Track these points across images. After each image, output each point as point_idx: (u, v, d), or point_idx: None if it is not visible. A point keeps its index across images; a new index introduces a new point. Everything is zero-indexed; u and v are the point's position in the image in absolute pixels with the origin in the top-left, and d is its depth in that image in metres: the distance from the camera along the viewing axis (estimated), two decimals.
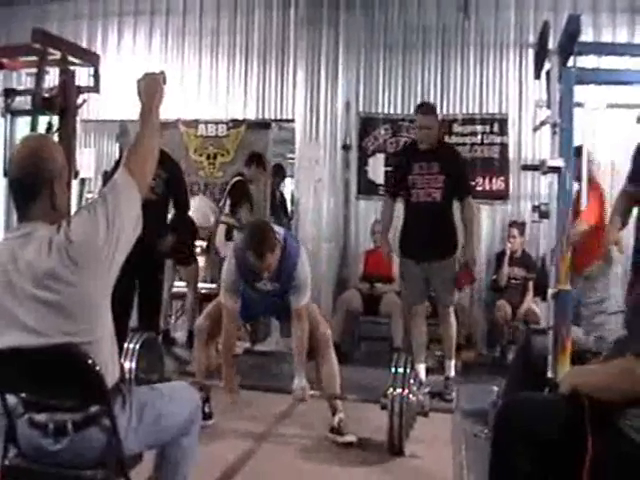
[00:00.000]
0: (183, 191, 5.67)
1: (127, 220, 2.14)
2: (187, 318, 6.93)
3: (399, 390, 3.72)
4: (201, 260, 7.12)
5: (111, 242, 2.08)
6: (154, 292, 5.54)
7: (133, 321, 5.40)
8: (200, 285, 6.97)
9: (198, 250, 7.03)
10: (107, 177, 5.51)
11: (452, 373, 5.18)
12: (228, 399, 4.13)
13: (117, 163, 5.65)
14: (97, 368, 2.07)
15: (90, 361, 2.06)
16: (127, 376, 3.62)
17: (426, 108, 5.30)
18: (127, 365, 3.78)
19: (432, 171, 5.05)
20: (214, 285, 6.67)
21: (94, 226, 2.06)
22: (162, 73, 2.43)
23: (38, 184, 2.14)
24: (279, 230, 4.02)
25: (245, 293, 4.12)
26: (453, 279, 5.16)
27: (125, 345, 3.84)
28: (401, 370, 3.83)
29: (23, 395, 2.19)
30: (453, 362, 5.23)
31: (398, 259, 5.54)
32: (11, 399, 2.21)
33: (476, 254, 5.11)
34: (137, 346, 3.91)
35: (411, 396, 3.78)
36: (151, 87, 2.36)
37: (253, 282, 4.04)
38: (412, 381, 3.86)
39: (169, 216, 5.75)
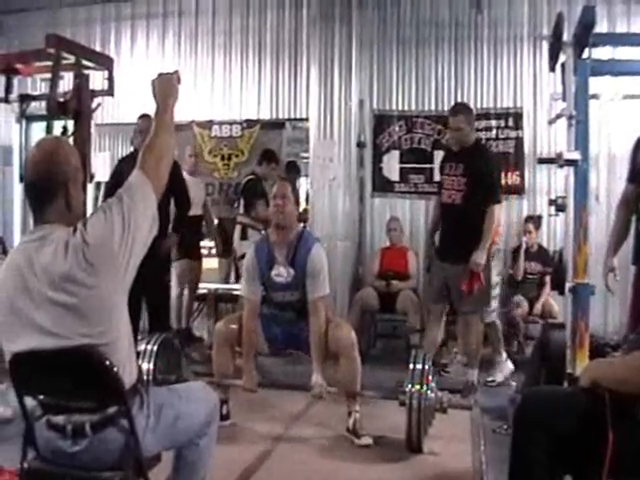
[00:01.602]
0: (183, 190, 5.67)
1: (143, 221, 2.14)
2: (184, 315, 6.92)
3: (417, 386, 3.71)
4: (213, 261, 7.13)
5: (127, 243, 2.08)
6: (161, 292, 5.55)
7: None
8: (217, 286, 6.99)
9: (207, 251, 7.01)
10: (110, 179, 5.50)
11: (474, 380, 5.07)
12: (248, 387, 4.17)
13: (119, 164, 5.66)
14: (114, 369, 2.07)
15: (107, 362, 2.06)
16: (145, 377, 3.65)
17: (454, 109, 5.15)
18: (145, 366, 3.80)
19: (457, 173, 4.96)
20: (228, 285, 6.68)
21: (110, 228, 2.06)
22: (176, 73, 2.43)
23: (53, 186, 2.14)
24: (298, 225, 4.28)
25: (263, 310, 4.21)
26: None
27: (142, 346, 3.85)
28: (419, 366, 3.81)
29: (41, 397, 2.19)
30: (475, 371, 5.12)
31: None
32: (29, 401, 2.22)
33: (481, 259, 4.82)
34: (154, 347, 3.93)
35: (430, 392, 3.76)
36: (165, 87, 2.37)
37: (269, 271, 4.13)
38: (430, 377, 3.83)
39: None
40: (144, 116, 5.31)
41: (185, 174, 6.63)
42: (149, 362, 3.88)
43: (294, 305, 4.18)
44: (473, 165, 4.92)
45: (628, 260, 3.98)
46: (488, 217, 4.85)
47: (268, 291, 4.21)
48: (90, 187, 5.55)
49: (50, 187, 2.14)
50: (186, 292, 6.79)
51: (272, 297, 4.22)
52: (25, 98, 5.23)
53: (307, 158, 7.34)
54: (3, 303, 2.11)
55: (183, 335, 6.77)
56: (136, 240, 2.11)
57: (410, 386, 3.72)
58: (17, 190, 7.82)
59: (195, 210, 6.58)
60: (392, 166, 7.11)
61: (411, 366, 3.84)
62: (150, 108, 2.36)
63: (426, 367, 3.83)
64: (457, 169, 4.96)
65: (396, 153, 7.11)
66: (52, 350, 2.04)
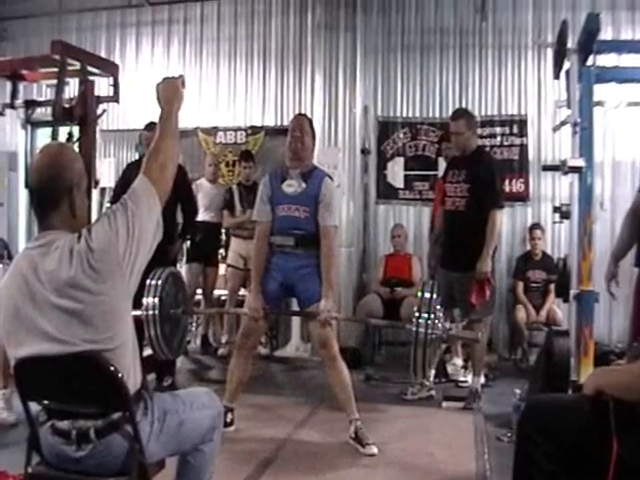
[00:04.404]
0: (190, 195, 5.69)
1: (147, 227, 2.14)
2: (202, 323, 6.98)
3: (425, 315, 3.58)
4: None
5: (131, 249, 2.08)
6: None
7: None
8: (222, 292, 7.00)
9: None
10: (118, 184, 5.48)
11: (478, 387, 4.99)
12: (253, 306, 4.08)
13: (126, 169, 5.64)
14: (119, 375, 2.07)
15: (112, 368, 2.06)
16: (151, 312, 3.68)
17: (455, 113, 5.13)
18: (151, 300, 3.74)
19: (459, 179, 4.91)
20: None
21: (114, 234, 2.06)
22: (181, 77, 2.43)
23: (58, 193, 2.14)
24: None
25: (270, 260, 4.11)
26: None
27: (148, 281, 3.73)
28: (428, 295, 3.69)
29: (46, 403, 2.19)
30: (480, 379, 5.06)
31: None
32: (34, 407, 2.22)
33: (486, 267, 4.75)
34: (159, 281, 3.82)
35: (437, 321, 3.63)
36: (170, 91, 2.36)
37: (281, 184, 4.05)
38: (438, 307, 3.70)
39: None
40: (151, 127, 5.28)
41: (205, 182, 6.72)
42: (155, 296, 3.78)
43: (296, 228, 4.03)
44: (475, 171, 4.86)
45: (631, 264, 3.97)
46: (490, 223, 4.77)
47: (275, 209, 4.08)
48: (95, 193, 5.56)
49: (54, 193, 2.14)
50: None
51: (277, 213, 4.07)
52: (31, 104, 5.25)
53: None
54: (8, 309, 2.11)
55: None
56: (140, 246, 2.11)
57: (418, 314, 3.58)
58: (22, 195, 7.85)
59: (214, 217, 6.62)
60: (396, 173, 7.13)
61: (419, 294, 3.71)
62: (156, 115, 2.36)
63: (434, 296, 3.70)
64: (460, 176, 4.93)
65: (400, 160, 7.13)
66: (57, 356, 2.04)
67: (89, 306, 2.03)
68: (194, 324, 7.14)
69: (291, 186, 4.05)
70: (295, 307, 4.64)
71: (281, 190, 4.07)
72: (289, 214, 4.05)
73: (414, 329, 3.53)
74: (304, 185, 4.03)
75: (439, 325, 3.60)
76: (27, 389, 2.19)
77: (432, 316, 3.55)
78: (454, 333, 3.82)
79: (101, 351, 2.06)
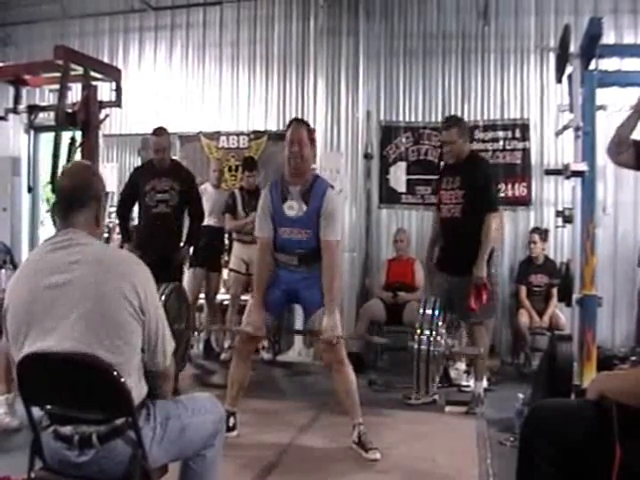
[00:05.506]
0: (197, 201, 5.69)
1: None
2: (205, 328, 6.98)
3: (427, 332, 3.54)
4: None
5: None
6: None
7: None
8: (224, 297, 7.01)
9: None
10: (125, 192, 5.46)
11: (481, 392, 4.96)
12: (255, 321, 4.08)
13: (133, 174, 5.63)
14: (122, 380, 2.07)
15: (115, 373, 2.06)
16: None
17: (446, 123, 5.10)
18: None
19: (454, 186, 4.91)
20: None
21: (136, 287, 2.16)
22: None
23: (88, 196, 2.25)
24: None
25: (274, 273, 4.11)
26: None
27: None
28: (429, 312, 3.65)
29: (49, 408, 2.19)
30: (483, 384, 5.04)
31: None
32: (36, 412, 2.22)
33: (482, 271, 4.71)
34: (163, 297, 3.82)
35: (439, 338, 3.61)
36: None
37: (282, 204, 4.01)
38: (440, 324, 3.67)
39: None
40: (159, 132, 5.24)
41: (209, 186, 6.72)
42: None
43: (299, 248, 4.03)
44: (469, 177, 4.85)
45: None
46: (485, 227, 4.77)
47: (277, 228, 4.06)
48: None
49: (85, 195, 2.24)
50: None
51: (279, 234, 4.06)
52: (34, 109, 5.26)
53: (314, 169, 7.33)
54: (19, 308, 2.14)
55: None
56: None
57: (419, 331, 3.57)
58: (25, 200, 7.87)
59: (217, 222, 6.62)
60: (399, 177, 7.13)
61: (421, 311, 3.69)
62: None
63: (436, 312, 3.66)
64: (454, 182, 4.92)
65: (403, 164, 7.13)
66: (59, 355, 2.05)
67: (98, 306, 2.08)
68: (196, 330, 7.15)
69: (292, 208, 4.00)
70: (297, 313, 4.65)
71: (283, 212, 4.02)
72: (291, 237, 4.03)
73: (416, 346, 3.52)
74: (304, 208, 3.98)
75: (442, 342, 3.59)
76: (30, 391, 2.19)
77: (434, 333, 3.55)
78: (457, 350, 3.80)
79: (106, 357, 2.07)
